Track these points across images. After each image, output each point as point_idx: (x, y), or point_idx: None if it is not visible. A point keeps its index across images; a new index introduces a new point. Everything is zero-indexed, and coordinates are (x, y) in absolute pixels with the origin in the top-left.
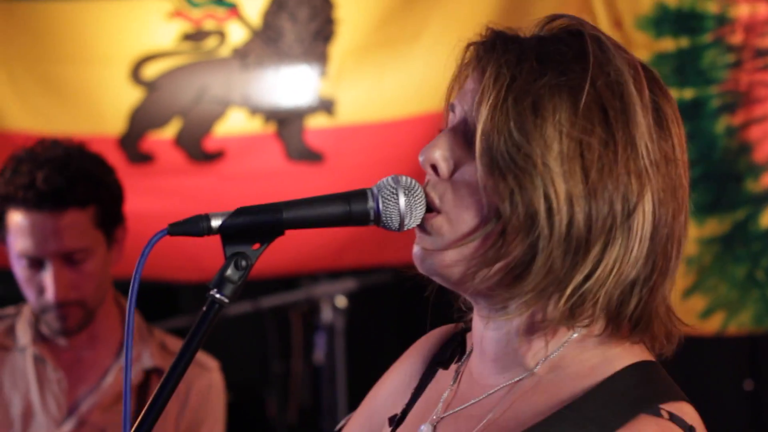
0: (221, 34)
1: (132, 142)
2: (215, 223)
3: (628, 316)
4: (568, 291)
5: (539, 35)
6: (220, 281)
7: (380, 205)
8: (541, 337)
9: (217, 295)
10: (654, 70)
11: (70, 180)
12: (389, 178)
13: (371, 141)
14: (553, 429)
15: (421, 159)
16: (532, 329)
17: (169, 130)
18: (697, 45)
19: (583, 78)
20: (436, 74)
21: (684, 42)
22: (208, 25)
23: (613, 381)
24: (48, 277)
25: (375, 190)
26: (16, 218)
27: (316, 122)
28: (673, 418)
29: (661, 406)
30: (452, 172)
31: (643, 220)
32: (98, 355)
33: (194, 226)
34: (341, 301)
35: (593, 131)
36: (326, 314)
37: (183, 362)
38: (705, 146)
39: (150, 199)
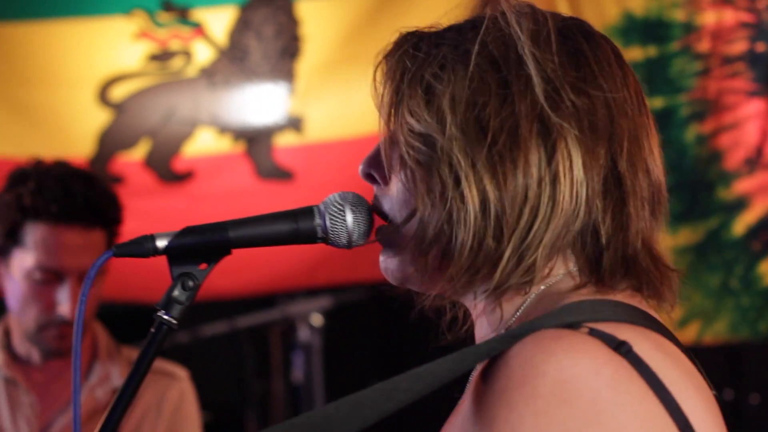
0: (187, 54)
1: (101, 164)
2: (161, 243)
3: (605, 265)
4: (506, 255)
5: (451, 24)
6: (168, 302)
7: (327, 222)
8: (504, 303)
9: (165, 317)
10: (585, 21)
11: (103, 196)
12: (336, 195)
13: (340, 158)
14: (474, 348)
15: (360, 172)
16: (493, 304)
17: (138, 152)
18: (665, 53)
19: (474, 41)
20: None
21: (652, 51)
22: (174, 45)
23: (551, 312)
24: (65, 292)
25: (322, 207)
26: (40, 231)
27: (285, 140)
28: (594, 332)
29: (588, 324)
30: (389, 179)
31: (570, 165)
32: (69, 376)
33: (139, 247)
34: (317, 320)
35: (489, 90)
36: (303, 333)
37: (133, 384)
38: (675, 155)
39: None
